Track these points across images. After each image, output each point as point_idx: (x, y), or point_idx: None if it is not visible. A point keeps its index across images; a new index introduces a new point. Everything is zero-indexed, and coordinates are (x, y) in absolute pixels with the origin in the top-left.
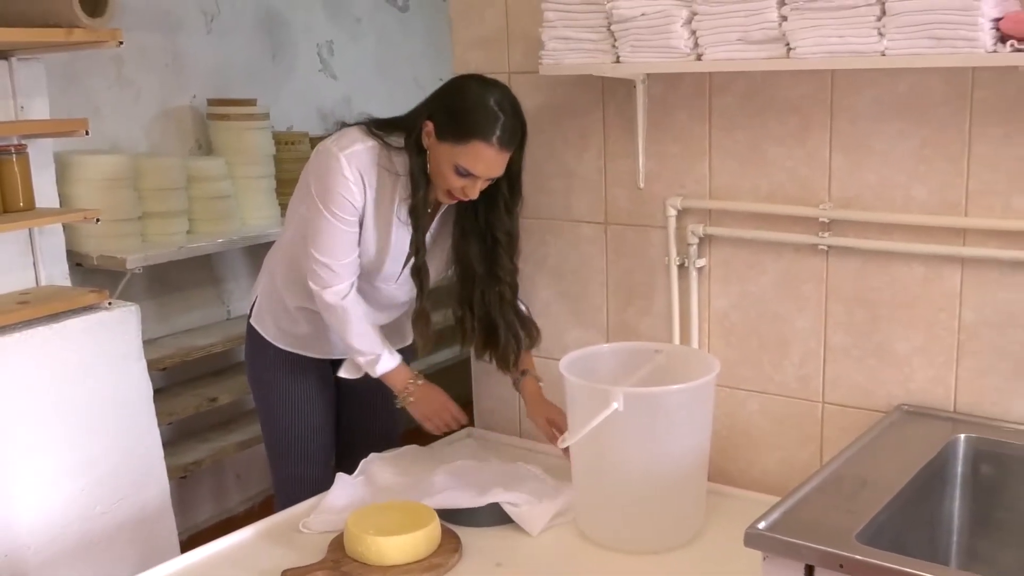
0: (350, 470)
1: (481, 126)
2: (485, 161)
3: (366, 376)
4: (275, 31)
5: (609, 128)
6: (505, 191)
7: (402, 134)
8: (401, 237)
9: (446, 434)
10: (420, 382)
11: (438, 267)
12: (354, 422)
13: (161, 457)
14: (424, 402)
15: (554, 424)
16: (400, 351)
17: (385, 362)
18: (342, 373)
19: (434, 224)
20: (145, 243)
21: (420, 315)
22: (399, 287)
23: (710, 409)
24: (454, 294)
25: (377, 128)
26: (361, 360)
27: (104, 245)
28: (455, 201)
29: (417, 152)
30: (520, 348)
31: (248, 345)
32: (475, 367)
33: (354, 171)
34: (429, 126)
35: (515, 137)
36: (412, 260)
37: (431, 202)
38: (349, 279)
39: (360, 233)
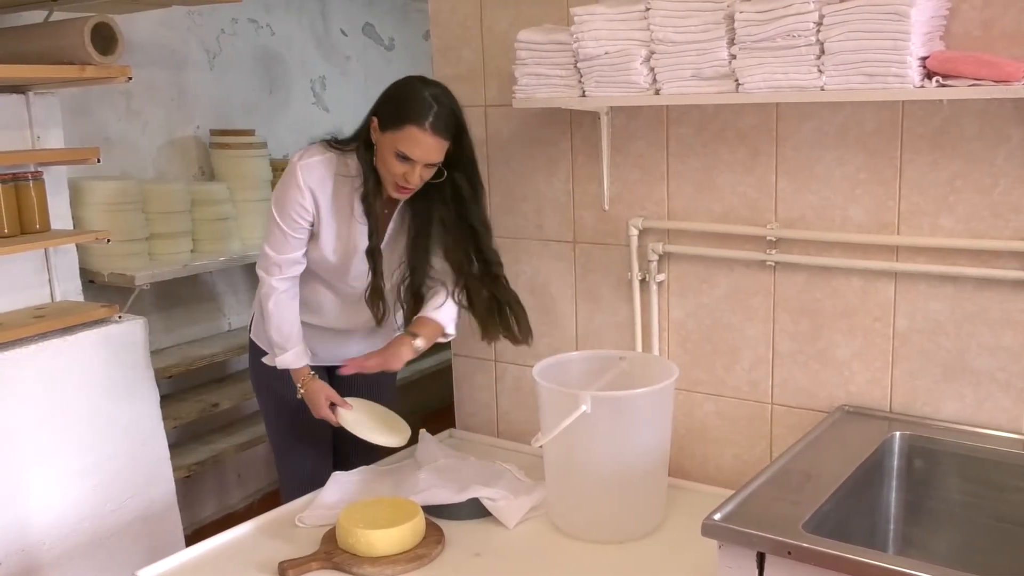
0: (343, 466)
1: (415, 112)
2: (421, 145)
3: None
4: (272, 67)
5: (576, 156)
6: (466, 187)
7: (357, 143)
8: (363, 237)
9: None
10: (306, 385)
11: (392, 264)
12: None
13: (167, 458)
14: (309, 395)
15: (363, 365)
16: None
17: (286, 358)
18: (266, 360)
19: (391, 226)
20: (152, 261)
21: (374, 291)
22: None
23: (670, 410)
24: (456, 292)
25: (336, 143)
26: (275, 347)
27: (114, 263)
28: (402, 194)
29: (366, 148)
30: (526, 319)
31: (250, 357)
32: (456, 373)
33: (309, 181)
34: (374, 121)
35: (448, 126)
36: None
37: (382, 192)
38: (288, 272)
39: (317, 238)
